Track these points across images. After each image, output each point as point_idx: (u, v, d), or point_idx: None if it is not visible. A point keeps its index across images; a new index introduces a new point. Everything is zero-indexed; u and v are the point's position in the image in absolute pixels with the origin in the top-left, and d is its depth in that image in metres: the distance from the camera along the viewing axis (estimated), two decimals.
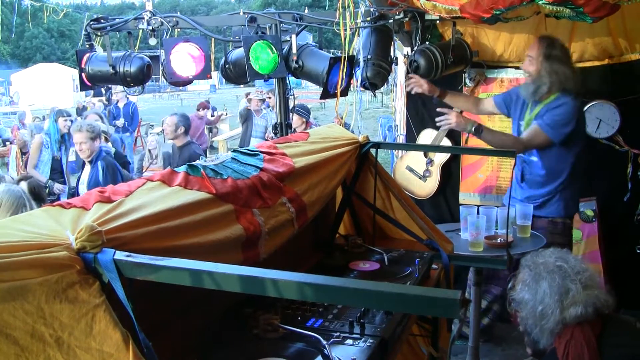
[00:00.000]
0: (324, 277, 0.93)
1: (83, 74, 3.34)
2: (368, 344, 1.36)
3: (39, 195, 3.77)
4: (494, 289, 3.47)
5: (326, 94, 3.32)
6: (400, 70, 4.11)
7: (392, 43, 3.55)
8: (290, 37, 3.30)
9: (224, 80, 3.69)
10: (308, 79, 3.47)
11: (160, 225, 1.19)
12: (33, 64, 42.60)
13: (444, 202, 4.23)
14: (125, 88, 3.47)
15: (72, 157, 6.32)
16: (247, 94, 11.09)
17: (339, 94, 3.27)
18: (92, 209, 1.16)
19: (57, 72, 33.56)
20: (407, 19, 3.28)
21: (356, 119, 3.93)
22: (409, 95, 4.01)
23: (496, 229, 2.96)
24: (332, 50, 4.37)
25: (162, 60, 3.22)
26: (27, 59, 50.84)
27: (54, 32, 55.72)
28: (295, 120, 5.59)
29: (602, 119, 3.70)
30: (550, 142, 3.07)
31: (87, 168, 4.77)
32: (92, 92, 3.86)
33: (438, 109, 3.29)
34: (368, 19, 3.30)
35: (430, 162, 4.16)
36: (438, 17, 3.27)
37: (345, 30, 3.06)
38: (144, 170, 7.61)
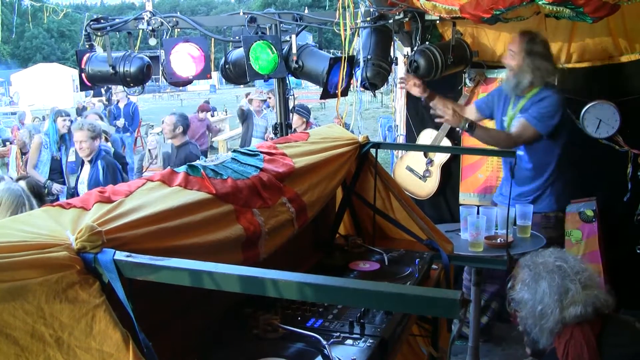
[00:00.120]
0: (324, 277, 0.93)
1: (83, 74, 3.34)
2: (368, 344, 1.36)
3: (38, 194, 3.76)
4: (490, 287, 3.48)
5: (326, 94, 3.32)
6: (400, 70, 4.11)
7: (392, 43, 3.55)
8: (290, 37, 3.30)
9: (224, 80, 3.69)
10: (308, 79, 3.47)
11: (160, 225, 1.19)
12: (33, 64, 42.60)
13: (444, 202, 4.23)
14: (125, 88, 3.47)
15: (72, 157, 6.32)
16: (248, 94, 11.10)
17: (339, 94, 3.27)
18: (92, 209, 1.16)
19: (57, 72, 33.56)
20: (407, 19, 3.28)
21: (356, 119, 3.93)
22: (409, 95, 4.01)
23: (496, 229, 2.97)
24: (332, 51, 4.37)
25: (162, 60, 3.22)
26: (27, 59, 50.85)
27: (54, 32, 55.73)
28: (296, 120, 5.59)
29: (602, 119, 3.70)
30: (538, 136, 3.10)
31: (87, 167, 4.77)
32: (91, 92, 3.86)
33: (438, 100, 3.29)
34: (368, 19, 3.30)
35: (430, 162, 4.16)
36: (438, 17, 3.27)
37: (345, 30, 3.06)
38: (144, 170, 7.61)
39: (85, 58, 3.31)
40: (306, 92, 20.98)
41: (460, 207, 3.10)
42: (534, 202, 3.20)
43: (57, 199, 5.92)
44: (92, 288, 0.98)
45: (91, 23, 3.37)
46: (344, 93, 3.35)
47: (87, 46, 3.40)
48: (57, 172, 6.27)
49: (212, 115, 13.88)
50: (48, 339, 0.93)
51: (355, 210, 2.36)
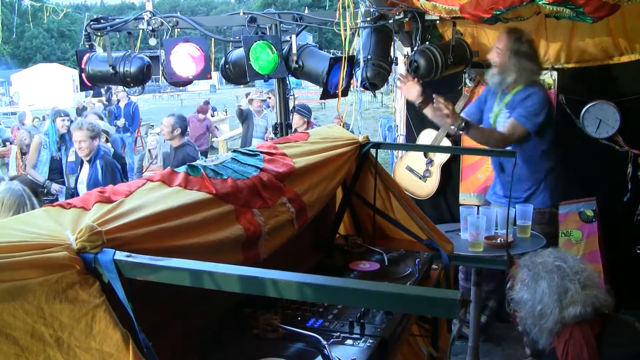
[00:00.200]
0: (324, 277, 0.93)
1: (83, 74, 3.34)
2: (368, 344, 1.36)
3: (34, 192, 3.77)
4: (486, 286, 3.47)
5: (326, 94, 3.32)
6: (400, 70, 4.11)
7: (392, 43, 3.55)
8: (290, 37, 3.30)
9: (224, 80, 3.69)
10: (308, 79, 3.47)
11: (160, 225, 1.19)
12: (33, 64, 42.62)
13: (444, 202, 4.23)
14: (126, 88, 3.47)
15: (72, 157, 6.32)
16: (247, 94, 11.10)
17: (339, 94, 3.27)
18: (92, 209, 1.16)
19: (57, 72, 33.57)
20: (407, 19, 3.28)
21: (356, 119, 3.94)
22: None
23: (496, 229, 2.97)
24: (332, 51, 4.37)
25: (162, 60, 3.22)
26: (27, 59, 50.85)
27: (54, 32, 55.73)
28: (297, 120, 5.59)
29: (602, 119, 3.70)
30: (527, 134, 3.13)
31: (86, 167, 4.77)
32: (91, 92, 3.86)
33: (435, 97, 3.28)
34: (368, 19, 3.30)
35: (430, 162, 4.16)
36: (438, 17, 3.27)
37: (345, 30, 3.06)
38: (144, 170, 7.62)
39: (85, 58, 3.31)
40: (306, 92, 20.99)
41: (460, 207, 3.10)
42: (528, 200, 3.22)
43: (57, 199, 5.92)
44: (92, 288, 0.98)
45: (91, 23, 3.37)
46: (344, 93, 3.35)
47: (87, 46, 3.40)
48: (56, 172, 6.27)
49: (212, 116, 13.88)
50: (48, 339, 0.93)
51: (355, 210, 2.36)
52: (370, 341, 1.38)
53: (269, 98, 9.86)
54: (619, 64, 3.70)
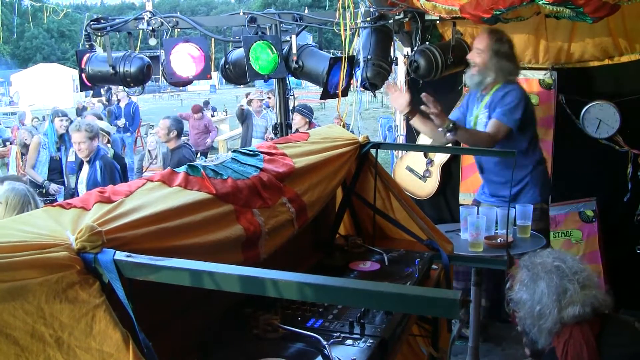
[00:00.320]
0: (324, 277, 0.93)
1: (83, 74, 3.34)
2: (368, 344, 1.36)
3: None
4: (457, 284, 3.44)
5: (326, 94, 3.32)
6: (400, 70, 4.11)
7: (392, 43, 3.54)
8: (290, 38, 3.30)
9: (224, 80, 3.70)
10: (308, 79, 3.47)
11: (160, 225, 1.19)
12: (33, 64, 42.63)
13: (444, 203, 4.23)
14: (126, 88, 3.47)
15: (71, 158, 6.33)
16: (248, 94, 11.11)
17: (339, 94, 3.27)
18: (92, 209, 1.16)
19: (57, 73, 33.57)
20: (407, 19, 3.28)
21: (356, 119, 3.93)
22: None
23: (496, 229, 2.97)
24: (332, 51, 4.37)
25: (162, 60, 3.22)
26: (27, 59, 50.86)
27: (54, 32, 55.74)
28: (299, 120, 5.59)
29: (602, 119, 3.71)
30: (510, 131, 3.14)
31: (86, 168, 4.77)
32: (91, 92, 3.86)
33: (423, 96, 3.27)
34: (368, 19, 3.30)
35: (430, 162, 4.16)
36: (438, 18, 3.27)
37: (345, 30, 3.06)
38: (144, 171, 7.62)
39: (85, 58, 3.31)
40: (306, 92, 21.00)
41: (460, 207, 3.10)
42: (517, 198, 3.24)
43: (55, 200, 5.92)
44: (92, 288, 0.98)
45: (91, 23, 3.37)
46: (344, 93, 3.35)
47: (87, 46, 3.40)
48: (56, 172, 6.27)
49: (212, 116, 13.88)
50: (48, 339, 0.93)
51: (355, 210, 2.36)
52: (370, 341, 1.38)
53: (269, 98, 9.87)
54: (619, 64, 3.70)
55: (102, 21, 3.38)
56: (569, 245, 3.82)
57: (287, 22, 3.33)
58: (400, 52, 4.03)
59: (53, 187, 6.07)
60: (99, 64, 3.28)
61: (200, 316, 1.46)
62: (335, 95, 3.31)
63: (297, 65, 3.30)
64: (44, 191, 5.88)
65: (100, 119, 7.66)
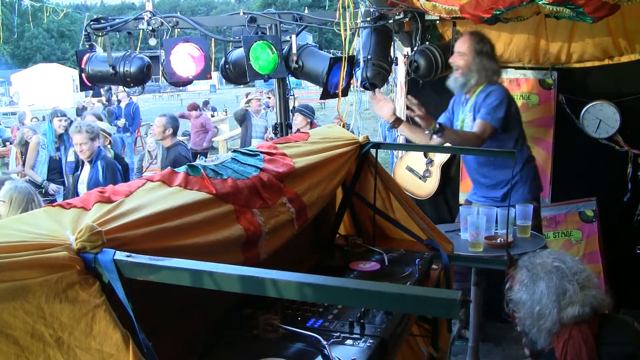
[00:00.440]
0: (324, 277, 0.93)
1: (83, 74, 3.34)
2: (368, 344, 1.36)
3: None
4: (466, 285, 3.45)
5: (326, 94, 3.32)
6: (400, 70, 4.11)
7: (392, 43, 3.55)
8: (290, 37, 3.30)
9: (224, 80, 3.70)
10: (308, 79, 3.47)
11: (160, 225, 1.19)
12: (33, 64, 42.64)
13: (444, 202, 4.23)
14: (126, 88, 3.48)
15: (70, 158, 6.32)
16: (248, 94, 11.11)
17: (339, 94, 3.27)
18: (92, 209, 1.16)
19: (57, 72, 33.58)
20: (407, 19, 3.28)
21: (356, 119, 3.93)
22: (409, 95, 4.01)
23: (496, 229, 2.97)
24: (332, 51, 4.38)
25: (162, 60, 3.22)
26: (27, 59, 50.87)
27: (54, 32, 55.74)
28: (300, 120, 5.59)
29: (602, 119, 3.71)
30: (494, 130, 3.15)
31: (87, 168, 4.77)
32: (91, 92, 3.87)
33: (407, 100, 3.29)
34: (368, 19, 3.30)
35: (430, 162, 4.16)
36: (438, 17, 3.28)
37: (345, 30, 3.06)
38: (143, 171, 7.62)
39: (85, 58, 3.31)
40: (306, 92, 21.00)
41: (460, 207, 3.10)
42: (506, 197, 3.26)
43: (55, 200, 5.92)
44: (92, 288, 0.98)
45: (91, 23, 3.37)
46: (344, 93, 3.35)
47: (87, 46, 3.41)
48: (56, 172, 6.28)
49: (212, 116, 13.88)
50: (48, 339, 0.93)
51: (355, 210, 2.36)
52: (370, 341, 1.37)
53: (269, 98, 9.86)
54: (619, 64, 3.70)
55: (102, 21, 3.38)
56: (569, 246, 3.82)
57: (287, 22, 3.33)
58: (400, 52, 4.04)
59: (52, 187, 6.07)
60: (99, 64, 3.29)
61: (200, 316, 1.46)
62: (335, 95, 3.31)
63: (297, 65, 3.30)
64: (43, 191, 5.88)
65: (100, 119, 7.66)
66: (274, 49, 3.15)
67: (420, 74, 3.46)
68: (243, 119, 8.93)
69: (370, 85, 3.34)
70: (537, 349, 1.88)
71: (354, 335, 1.40)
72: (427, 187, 4.17)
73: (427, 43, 3.45)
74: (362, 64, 3.29)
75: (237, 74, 3.42)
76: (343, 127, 3.26)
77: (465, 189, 4.14)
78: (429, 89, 3.55)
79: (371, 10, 3.30)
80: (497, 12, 2.60)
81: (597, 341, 1.74)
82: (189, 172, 1.46)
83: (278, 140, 2.04)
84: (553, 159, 3.86)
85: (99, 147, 4.78)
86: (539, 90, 3.86)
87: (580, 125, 3.75)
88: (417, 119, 3.13)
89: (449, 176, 4.18)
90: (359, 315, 1.49)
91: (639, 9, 3.07)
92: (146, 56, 3.32)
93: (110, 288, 1.00)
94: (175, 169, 1.47)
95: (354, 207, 2.34)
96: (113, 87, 6.85)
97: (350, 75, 3.37)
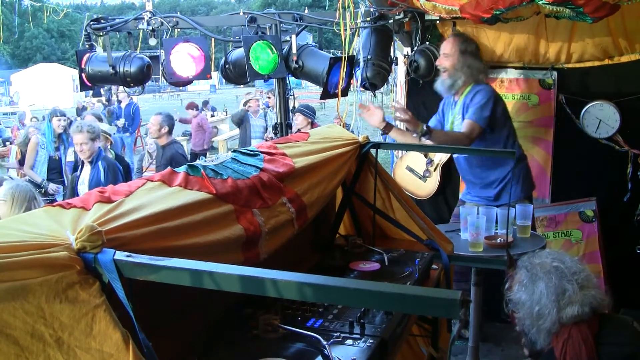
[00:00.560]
0: (324, 277, 0.93)
1: (83, 74, 3.34)
2: (368, 344, 1.36)
3: None
4: (465, 285, 3.45)
5: (326, 94, 3.32)
6: (400, 70, 4.11)
7: (392, 43, 3.55)
8: (290, 37, 3.31)
9: (224, 80, 3.70)
10: (308, 79, 3.47)
11: (160, 225, 1.19)
12: (33, 64, 42.64)
13: (444, 202, 4.23)
14: (126, 88, 3.48)
15: (70, 158, 6.32)
16: (248, 94, 11.10)
17: (339, 94, 3.28)
18: (92, 209, 1.16)
19: (57, 72, 33.59)
20: (407, 19, 3.28)
21: (356, 119, 3.93)
22: (409, 95, 4.02)
23: (496, 229, 2.97)
24: (332, 51, 4.38)
25: (162, 60, 3.22)
26: (27, 59, 50.86)
27: (54, 32, 55.73)
28: (301, 120, 5.59)
29: (602, 119, 3.71)
30: (481, 129, 3.17)
31: (87, 168, 4.77)
32: (91, 92, 3.87)
33: (392, 105, 3.30)
34: (368, 19, 3.30)
35: (430, 162, 4.16)
36: (438, 17, 3.28)
37: (345, 30, 3.06)
38: (143, 171, 7.62)
39: (85, 58, 3.31)
40: (306, 92, 20.99)
41: (460, 207, 3.10)
42: (499, 196, 3.28)
43: (55, 199, 5.92)
44: (92, 288, 0.98)
45: (91, 23, 3.37)
46: (344, 93, 3.35)
47: (87, 46, 3.41)
48: (55, 171, 6.27)
49: (212, 115, 13.87)
50: (48, 339, 0.93)
51: (355, 210, 2.36)
52: (370, 341, 1.38)
53: (269, 98, 9.85)
54: (619, 64, 3.70)
55: (102, 21, 3.38)
56: (569, 245, 3.82)
57: (287, 22, 3.33)
58: (400, 52, 4.04)
59: (52, 186, 6.07)
60: (99, 63, 3.29)
61: (200, 316, 1.46)
62: (335, 95, 3.31)
63: (297, 65, 3.30)
64: (43, 191, 5.87)
65: (100, 119, 7.64)
66: (274, 49, 3.15)
67: (420, 74, 3.47)
68: (241, 120, 8.91)
69: (370, 85, 3.34)
70: (536, 349, 1.88)
71: (354, 335, 1.41)
72: (427, 187, 4.17)
73: (427, 43, 3.46)
74: (362, 64, 3.29)
75: (237, 74, 3.42)
76: (343, 127, 3.26)
77: None
78: (429, 89, 3.54)
79: (371, 10, 3.30)
80: (497, 12, 2.60)
81: (596, 341, 1.74)
82: (189, 172, 1.46)
83: (278, 140, 2.04)
84: (553, 159, 3.86)
85: (99, 147, 4.78)
86: (539, 90, 3.86)
87: (580, 125, 3.75)
88: (404, 123, 3.15)
89: (449, 176, 4.18)
90: (359, 315, 1.49)
91: (639, 9, 3.07)
92: (146, 56, 3.32)
93: (110, 288, 1.00)
94: (175, 169, 1.47)
95: (354, 207, 2.34)
96: (113, 87, 6.85)
97: (350, 75, 3.37)
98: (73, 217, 1.11)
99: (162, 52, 3.20)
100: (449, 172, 4.18)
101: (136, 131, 11.60)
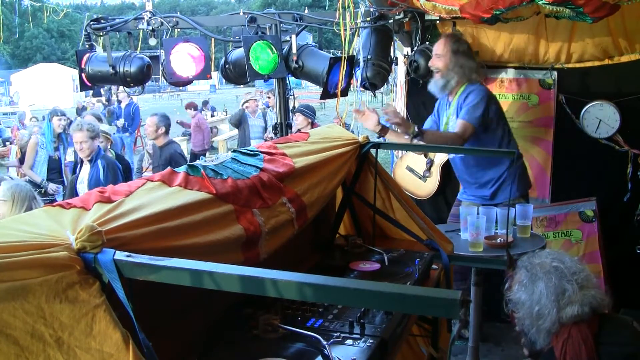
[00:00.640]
0: (324, 277, 0.93)
1: (83, 74, 3.34)
2: (368, 344, 1.36)
3: None
4: (463, 284, 3.46)
5: (326, 94, 3.32)
6: (400, 70, 4.11)
7: (392, 43, 3.55)
8: (290, 37, 3.31)
9: (224, 80, 3.70)
10: (308, 79, 3.47)
11: (160, 225, 1.19)
12: (33, 64, 42.65)
13: (444, 202, 4.23)
14: (126, 88, 3.48)
15: (70, 157, 6.32)
16: (248, 94, 11.10)
17: (339, 94, 3.28)
18: (92, 209, 1.15)
19: (57, 72, 33.60)
20: (407, 19, 3.28)
21: (356, 119, 3.93)
22: (409, 95, 4.02)
23: (496, 229, 2.97)
24: (332, 51, 4.38)
25: (162, 60, 3.23)
26: (27, 59, 50.87)
27: (54, 32, 55.73)
28: (301, 120, 5.59)
29: (602, 119, 3.71)
30: (474, 129, 3.17)
31: (87, 167, 4.77)
32: (91, 92, 3.87)
33: (383, 108, 3.31)
34: (368, 19, 3.31)
35: (430, 162, 4.16)
36: (438, 17, 3.28)
37: (345, 30, 3.06)
38: (143, 171, 7.61)
39: (85, 58, 3.31)
40: (306, 92, 20.99)
41: (460, 207, 3.10)
42: (495, 195, 3.28)
43: (55, 199, 5.92)
44: (92, 288, 0.98)
45: (91, 23, 3.37)
46: (344, 93, 3.36)
47: (87, 46, 3.41)
48: (55, 171, 6.27)
49: (212, 115, 13.87)
50: (48, 339, 0.93)
51: (355, 210, 2.36)
52: (370, 341, 1.37)
53: (269, 98, 9.84)
54: (619, 64, 3.70)
55: (102, 21, 3.38)
56: (569, 245, 3.82)
57: (287, 22, 3.33)
58: (400, 52, 4.04)
59: (52, 186, 6.07)
60: (99, 63, 3.29)
61: (200, 316, 1.46)
62: (335, 95, 3.31)
63: (297, 65, 3.30)
64: (42, 191, 5.87)
65: (100, 119, 7.64)
66: (274, 49, 3.15)
67: (420, 74, 3.47)
68: (239, 121, 8.90)
69: (370, 85, 3.34)
70: (536, 349, 1.88)
71: (354, 335, 1.40)
72: (427, 187, 4.17)
73: (427, 43, 3.46)
74: (362, 64, 3.29)
75: (237, 74, 3.42)
76: (343, 127, 3.26)
77: None
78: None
79: (371, 10, 3.30)
80: (497, 12, 2.60)
81: (596, 341, 1.74)
82: (189, 172, 1.46)
83: (278, 140, 2.04)
84: (553, 159, 3.87)
85: (98, 146, 4.78)
86: (539, 90, 3.86)
87: (580, 125, 3.75)
88: (395, 126, 3.15)
89: (449, 176, 4.18)
90: (359, 315, 1.49)
91: (639, 9, 3.07)
92: (146, 56, 3.32)
93: (110, 288, 1.00)
94: (175, 169, 1.47)
95: (354, 207, 2.34)
96: (113, 87, 6.85)
97: (350, 75, 3.37)
98: (73, 217, 1.11)
99: (162, 52, 3.20)
100: (448, 172, 4.18)
101: (136, 131, 11.60)
